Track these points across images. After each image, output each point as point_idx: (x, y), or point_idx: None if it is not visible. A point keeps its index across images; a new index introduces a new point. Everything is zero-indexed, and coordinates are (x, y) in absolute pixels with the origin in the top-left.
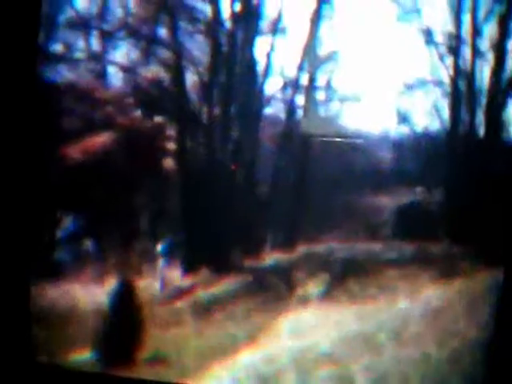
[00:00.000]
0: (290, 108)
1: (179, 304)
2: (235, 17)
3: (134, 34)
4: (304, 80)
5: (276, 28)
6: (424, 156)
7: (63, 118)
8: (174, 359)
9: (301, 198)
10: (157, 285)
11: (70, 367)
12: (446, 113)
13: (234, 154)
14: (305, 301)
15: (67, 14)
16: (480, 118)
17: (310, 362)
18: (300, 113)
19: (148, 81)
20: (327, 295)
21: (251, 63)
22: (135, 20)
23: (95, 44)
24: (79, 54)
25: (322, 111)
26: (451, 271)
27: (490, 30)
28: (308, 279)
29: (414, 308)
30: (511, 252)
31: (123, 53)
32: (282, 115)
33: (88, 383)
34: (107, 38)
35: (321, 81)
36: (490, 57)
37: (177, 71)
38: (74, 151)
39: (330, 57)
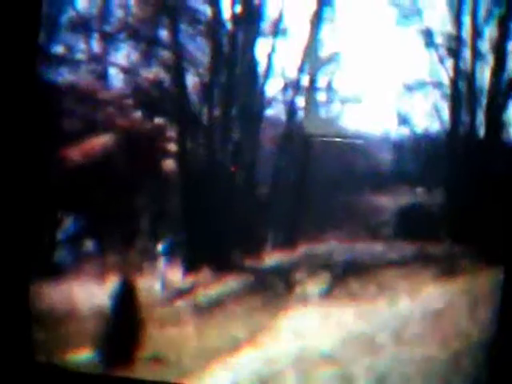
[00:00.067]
0: (291, 109)
1: (180, 304)
2: (236, 18)
3: (134, 35)
4: (305, 81)
5: (277, 29)
6: (424, 157)
7: (64, 119)
8: (174, 359)
9: (301, 199)
10: (157, 285)
11: (69, 367)
12: (446, 114)
13: (234, 154)
14: (305, 301)
15: (68, 15)
16: (480, 119)
17: (310, 362)
18: (301, 114)
19: (148, 82)
20: (328, 295)
21: (252, 64)
22: (136, 21)
23: (96, 45)
24: (80, 56)
25: (322, 112)
26: (452, 271)
27: (490, 32)
28: (308, 279)
29: (415, 308)
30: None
31: (124, 54)
32: (283, 116)
33: (88, 383)
34: (108, 39)
35: (321, 82)
36: (490, 58)
37: (177, 72)
38: (75, 152)
39: (331, 58)
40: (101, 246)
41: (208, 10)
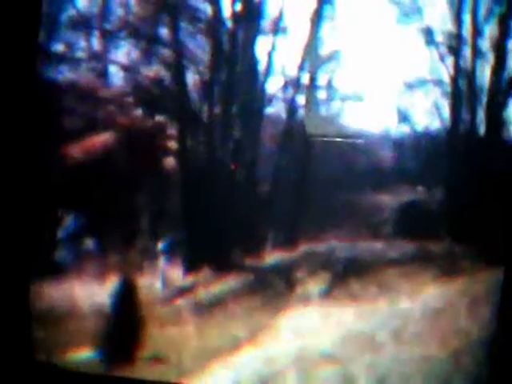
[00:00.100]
0: (291, 107)
1: (180, 303)
2: (236, 16)
3: (134, 33)
4: (305, 79)
5: (277, 27)
6: (425, 155)
7: (64, 117)
8: (175, 358)
9: (302, 197)
10: (158, 284)
11: (69, 366)
12: (446, 112)
13: (234, 153)
14: (306, 300)
15: (68, 13)
16: (480, 117)
17: (310, 362)
18: (301, 112)
19: (149, 80)
20: (328, 294)
21: (252, 62)
22: (136, 19)
23: (96, 43)
24: (80, 54)
25: (323, 110)
26: (452, 270)
27: (490, 30)
28: (309, 278)
29: (415, 307)
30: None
31: (124, 52)
32: (283, 114)
33: (88, 383)
34: (108, 37)
35: (322, 80)
36: (491, 56)
37: (178, 70)
38: (75, 150)
39: (331, 56)
40: (101, 244)
41: (208, 8)
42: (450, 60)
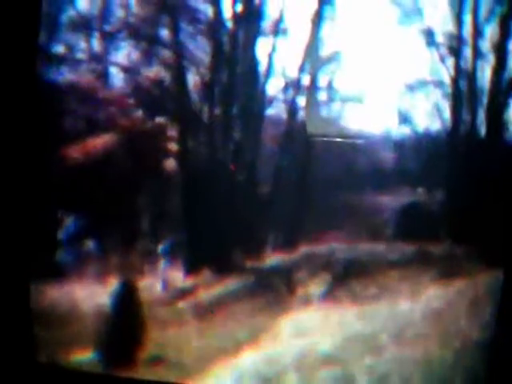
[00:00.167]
0: (292, 108)
1: (181, 304)
2: (237, 17)
3: (135, 34)
4: (306, 80)
5: (277, 28)
6: (425, 156)
7: (64, 118)
8: (176, 360)
9: (302, 199)
10: (158, 285)
11: (71, 367)
12: (447, 113)
13: (235, 154)
14: (306, 301)
15: (69, 14)
16: (481, 118)
17: (311, 363)
18: (302, 113)
19: (149, 81)
20: (329, 296)
21: (253, 63)
22: (136, 20)
23: (96, 44)
24: (80, 55)
25: (323, 112)
26: (453, 272)
27: (491, 31)
28: (309, 280)
29: (416, 308)
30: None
31: (124, 53)
32: (284, 115)
33: (89, 383)
34: (108, 38)
35: (322, 81)
36: (491, 57)
37: (178, 71)
38: (76, 152)
39: (332, 57)
40: (102, 246)
41: (209, 9)
42: (450, 61)
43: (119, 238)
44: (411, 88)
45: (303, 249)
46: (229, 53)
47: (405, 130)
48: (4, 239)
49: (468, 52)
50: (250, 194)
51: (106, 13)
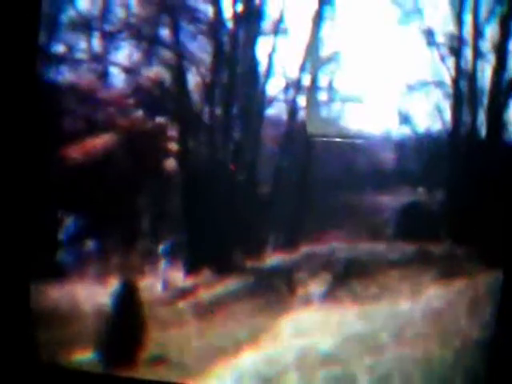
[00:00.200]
0: (292, 109)
1: (181, 305)
2: (237, 17)
3: (135, 34)
4: (306, 81)
5: (278, 29)
6: (426, 156)
7: (64, 118)
8: (176, 360)
9: (303, 199)
10: (159, 285)
11: (72, 367)
12: (447, 113)
13: (235, 154)
14: (307, 301)
15: (69, 14)
16: (481, 118)
17: (311, 363)
18: (302, 113)
19: (150, 81)
20: (329, 295)
21: (253, 64)
22: (137, 20)
23: (97, 45)
24: (81, 55)
25: (323, 112)
26: (453, 271)
27: (491, 31)
28: (310, 279)
29: (416, 308)
30: (511, 252)
31: (125, 53)
32: (284, 116)
33: (90, 383)
34: (109, 38)
35: (323, 81)
36: (492, 57)
37: (178, 72)
38: (76, 152)
39: (332, 57)
40: (102, 246)
41: (209, 10)
42: (451, 61)
43: (119, 238)
44: (411, 88)
45: (303, 249)
46: (229, 53)
47: (405, 131)
48: (4, 239)
49: (468, 52)
50: (251, 194)
51: (106, 13)
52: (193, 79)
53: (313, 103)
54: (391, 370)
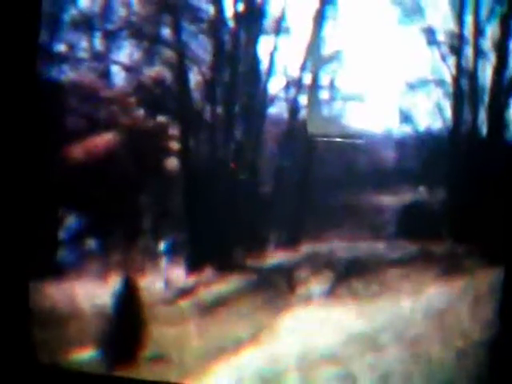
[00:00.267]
0: (293, 107)
1: (182, 303)
2: (238, 16)
3: (137, 33)
4: (307, 79)
5: (279, 27)
6: (426, 155)
7: (66, 117)
8: (177, 358)
9: (304, 197)
10: (160, 284)
11: (71, 367)
12: (448, 112)
13: (236, 153)
14: (308, 300)
15: (70, 13)
16: (482, 117)
17: (312, 361)
18: (303, 112)
19: (151, 80)
20: (330, 294)
21: (254, 62)
22: (138, 19)
23: (98, 43)
24: (82, 54)
25: (325, 111)
26: (454, 270)
27: (492, 30)
28: (311, 278)
29: (417, 307)
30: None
31: (126, 52)
32: (285, 115)
33: (90, 383)
34: (110, 37)
35: (324, 80)
36: (492, 56)
37: (180, 70)
38: (77, 150)
39: (334, 56)
40: (103, 244)
41: (210, 8)
42: (451, 60)
43: (121, 236)
44: (412, 87)
45: (305, 247)
46: (230, 52)
47: (406, 129)
48: (4, 238)
49: (469, 51)
50: (252, 192)
51: (107, 12)
52: (194, 78)
53: (314, 102)
54: (392, 369)
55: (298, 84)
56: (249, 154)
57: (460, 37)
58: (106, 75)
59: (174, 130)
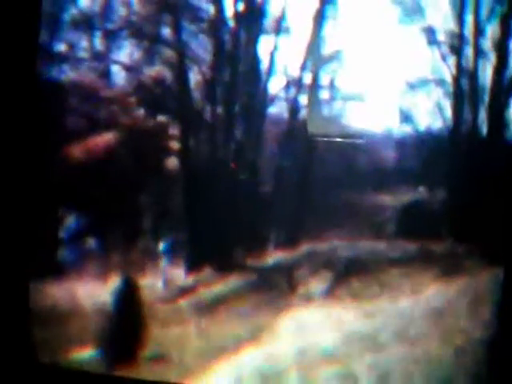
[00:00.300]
0: (294, 107)
1: (182, 303)
2: (238, 16)
3: (137, 33)
4: (307, 79)
5: (279, 27)
6: (427, 155)
7: (66, 117)
8: (177, 358)
9: (303, 197)
10: (159, 283)
11: (71, 366)
12: (448, 112)
13: (237, 152)
14: (307, 299)
15: (70, 13)
16: (482, 116)
17: (312, 361)
18: (303, 112)
19: (151, 80)
20: (330, 294)
21: (254, 62)
22: (138, 19)
23: (98, 43)
24: (82, 53)
25: (325, 110)
26: (454, 270)
27: (492, 30)
28: (311, 278)
29: (417, 307)
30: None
31: (126, 52)
32: (286, 114)
33: (90, 382)
34: (110, 37)
35: (324, 80)
36: (493, 56)
37: (180, 70)
38: (77, 150)
39: (334, 56)
40: (103, 244)
41: (210, 8)
42: (452, 59)
43: (121, 236)
44: (413, 87)
45: (305, 247)
46: (231, 51)
47: (406, 129)
48: (4, 238)
49: (469, 51)
50: (252, 192)
51: (107, 11)
52: (194, 78)
53: (314, 102)
54: (392, 369)
55: (298, 84)
56: (249, 154)
57: (460, 36)
58: (106, 75)
59: (174, 130)
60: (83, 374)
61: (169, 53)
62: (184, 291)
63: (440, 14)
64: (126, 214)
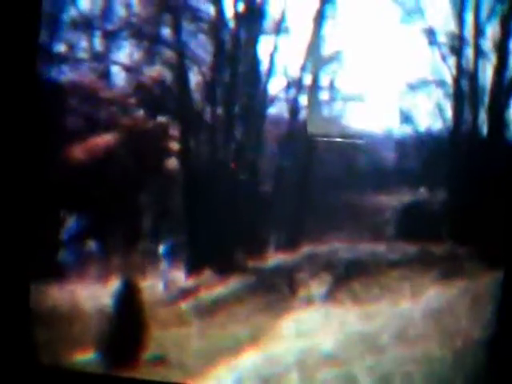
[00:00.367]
0: (294, 108)
1: (182, 305)
2: (238, 16)
3: (137, 33)
4: (307, 80)
5: (279, 28)
6: (427, 156)
7: (66, 117)
8: (177, 360)
9: (304, 199)
10: (160, 286)
11: (72, 368)
12: (448, 112)
13: (237, 153)
14: (308, 301)
15: (70, 13)
16: (483, 117)
17: (312, 363)
18: (303, 113)
19: (151, 80)
20: (330, 296)
21: (254, 63)
22: (138, 20)
23: (98, 44)
24: (82, 54)
25: (325, 111)
26: (454, 272)
27: (492, 30)
28: (311, 280)
29: (417, 308)
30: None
31: (126, 52)
32: (286, 115)
33: None
34: (110, 37)
35: (324, 81)
36: (493, 57)
37: (180, 71)
38: (77, 151)
39: (334, 57)
40: (103, 246)
41: (210, 9)
42: (452, 60)
43: (121, 238)
44: (413, 87)
45: (305, 249)
46: (230, 52)
47: (406, 130)
48: (4, 239)
49: (469, 51)
50: (252, 193)
51: (107, 12)
52: (194, 78)
53: (314, 102)
54: (392, 371)
55: (298, 84)
56: (249, 155)
57: (460, 37)
58: (105, 75)
59: (174, 131)
60: (84, 376)
61: (169, 53)
62: (184, 293)
63: (440, 15)
64: (126, 215)
